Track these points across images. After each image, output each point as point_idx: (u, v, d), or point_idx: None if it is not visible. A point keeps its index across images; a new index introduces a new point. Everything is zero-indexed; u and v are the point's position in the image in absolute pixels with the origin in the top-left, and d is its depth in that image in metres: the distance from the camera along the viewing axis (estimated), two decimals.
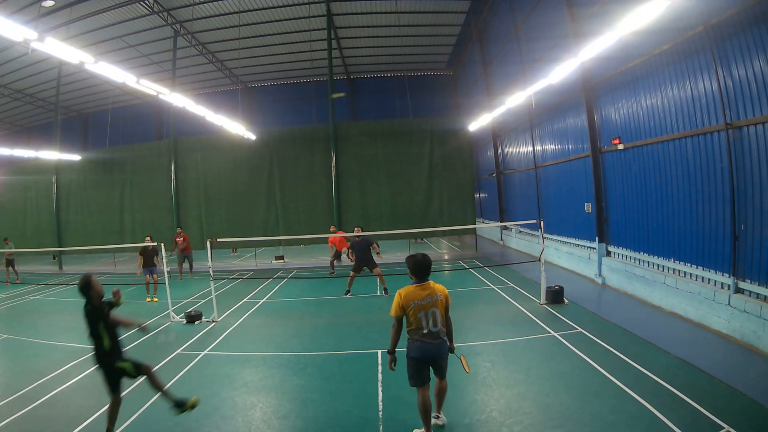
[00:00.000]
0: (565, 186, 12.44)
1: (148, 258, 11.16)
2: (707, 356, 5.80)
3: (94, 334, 4.34)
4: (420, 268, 4.18)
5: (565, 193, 12.46)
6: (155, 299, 11.01)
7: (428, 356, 4.16)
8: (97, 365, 4.43)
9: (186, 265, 14.27)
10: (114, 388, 4.44)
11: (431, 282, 4.21)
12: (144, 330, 4.89)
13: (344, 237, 12.38)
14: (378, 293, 10.64)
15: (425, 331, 4.10)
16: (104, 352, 4.36)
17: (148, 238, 11.56)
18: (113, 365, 4.39)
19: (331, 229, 13.39)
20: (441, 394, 4.41)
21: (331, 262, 13.34)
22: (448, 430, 4.44)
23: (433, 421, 4.29)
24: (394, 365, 4.28)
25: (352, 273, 10.44)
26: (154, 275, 11.21)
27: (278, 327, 8.54)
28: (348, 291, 10.49)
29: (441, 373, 4.32)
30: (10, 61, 18.22)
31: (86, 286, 4.39)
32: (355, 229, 10.72)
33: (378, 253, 10.52)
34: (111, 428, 4.43)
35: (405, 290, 4.16)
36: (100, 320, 4.32)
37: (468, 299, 9.79)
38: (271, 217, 16.26)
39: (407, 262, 4.30)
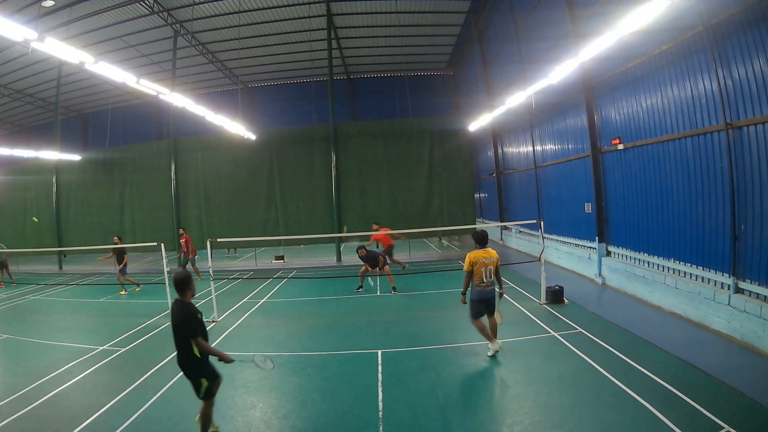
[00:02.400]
0: (565, 186, 12.43)
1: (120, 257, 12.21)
2: (707, 356, 5.80)
3: (184, 340, 4.18)
4: (481, 239, 6.40)
5: (565, 193, 12.46)
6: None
7: (484, 297, 6.29)
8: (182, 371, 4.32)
9: (190, 267, 13.89)
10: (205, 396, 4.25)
11: (489, 249, 6.38)
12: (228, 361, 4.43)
13: (389, 234, 11.96)
14: (378, 293, 10.65)
15: (484, 280, 6.21)
16: (193, 359, 4.21)
17: (117, 238, 12.51)
18: (196, 377, 4.24)
19: (374, 227, 12.70)
20: (494, 328, 6.42)
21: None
22: (447, 429, 4.44)
23: (491, 351, 6.31)
24: (465, 301, 6.36)
25: (363, 269, 10.76)
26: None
27: (278, 327, 8.54)
28: (360, 286, 10.91)
29: (491, 311, 6.38)
30: (10, 61, 18.21)
31: (183, 283, 4.26)
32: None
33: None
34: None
35: (473, 252, 6.31)
36: (198, 334, 4.16)
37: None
38: (271, 217, 16.25)
39: (473, 236, 6.58)
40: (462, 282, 6.34)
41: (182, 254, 13.74)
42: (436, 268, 13.88)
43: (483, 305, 6.30)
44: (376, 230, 11.89)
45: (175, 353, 4.30)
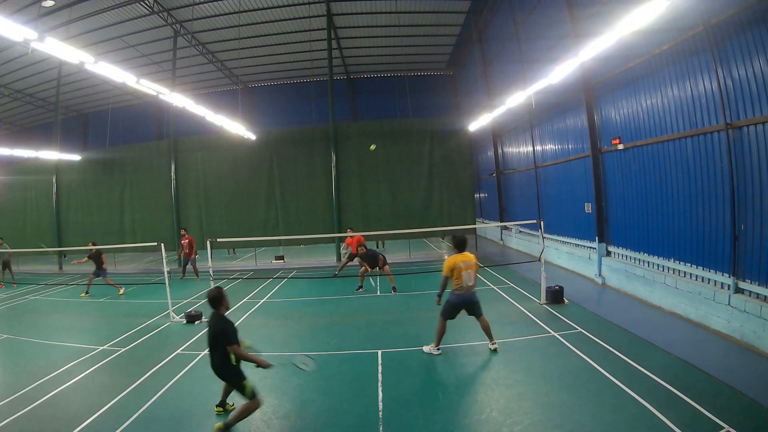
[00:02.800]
0: (565, 186, 12.43)
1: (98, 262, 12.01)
2: (707, 356, 5.80)
3: (221, 349, 4.42)
4: (459, 243, 6.42)
5: (565, 193, 12.46)
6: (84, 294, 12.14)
7: (464, 301, 6.31)
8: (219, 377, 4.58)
9: (191, 267, 13.64)
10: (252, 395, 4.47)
11: (468, 253, 6.40)
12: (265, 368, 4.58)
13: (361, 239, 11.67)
14: (378, 293, 10.65)
15: (464, 284, 6.21)
16: (231, 367, 4.47)
17: (92, 243, 12.36)
18: (238, 382, 4.50)
19: (348, 232, 12.63)
20: (487, 329, 6.45)
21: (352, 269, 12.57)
22: (447, 429, 4.44)
23: (492, 347, 6.44)
24: (439, 303, 6.51)
25: (362, 269, 10.74)
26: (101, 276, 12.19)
27: (278, 327, 8.53)
28: (360, 286, 10.92)
29: (477, 313, 6.43)
30: (10, 61, 18.20)
31: (216, 299, 4.55)
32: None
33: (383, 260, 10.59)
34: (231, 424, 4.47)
35: (452, 257, 6.31)
36: (235, 342, 4.42)
37: None
38: (271, 217, 16.25)
39: (452, 240, 6.61)
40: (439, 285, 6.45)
41: (182, 254, 13.50)
42: (437, 268, 13.88)
43: (459, 310, 6.38)
44: (350, 235, 11.82)
45: (211, 364, 4.58)
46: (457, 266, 6.21)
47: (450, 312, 6.39)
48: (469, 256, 6.35)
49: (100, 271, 11.98)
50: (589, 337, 6.78)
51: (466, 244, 6.48)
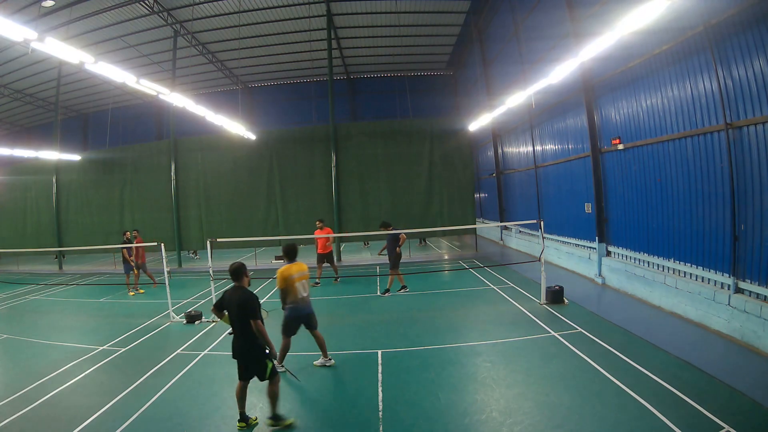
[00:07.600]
0: (565, 186, 12.43)
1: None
2: (707, 356, 5.80)
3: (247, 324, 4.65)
4: (289, 252, 6.02)
5: (565, 193, 12.46)
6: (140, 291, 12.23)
7: (301, 314, 5.91)
8: None
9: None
10: None
11: (300, 262, 6.00)
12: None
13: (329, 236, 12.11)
14: (378, 293, 10.64)
15: (299, 296, 5.83)
16: (259, 343, 4.66)
17: (127, 234, 12.65)
18: (262, 359, 4.69)
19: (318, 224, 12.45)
20: (321, 344, 6.11)
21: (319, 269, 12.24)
22: (447, 429, 4.44)
23: (327, 364, 6.12)
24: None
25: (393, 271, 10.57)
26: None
27: (278, 327, 8.48)
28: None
29: (312, 326, 6.05)
30: (10, 61, 18.21)
31: (240, 271, 4.85)
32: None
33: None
34: None
35: (286, 267, 5.85)
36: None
37: (468, 299, 9.80)
38: (271, 217, 16.26)
39: (283, 249, 6.10)
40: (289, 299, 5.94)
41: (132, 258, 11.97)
42: (437, 268, 13.89)
43: (297, 324, 5.97)
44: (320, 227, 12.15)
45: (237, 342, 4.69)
46: (291, 277, 5.77)
47: (289, 328, 5.95)
48: (302, 266, 5.94)
49: (127, 266, 12.06)
50: (589, 337, 6.78)
51: (296, 252, 6.10)
